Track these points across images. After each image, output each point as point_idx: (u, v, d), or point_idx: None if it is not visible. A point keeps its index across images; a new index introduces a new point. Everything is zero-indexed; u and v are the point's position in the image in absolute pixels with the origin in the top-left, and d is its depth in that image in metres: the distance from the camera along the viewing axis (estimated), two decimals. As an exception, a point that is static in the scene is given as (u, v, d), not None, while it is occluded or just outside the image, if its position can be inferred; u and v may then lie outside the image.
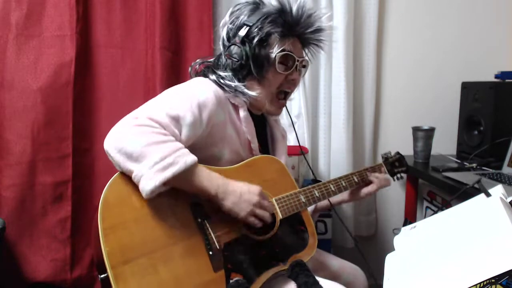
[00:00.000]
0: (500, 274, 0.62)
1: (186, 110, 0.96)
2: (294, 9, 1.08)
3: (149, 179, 0.86)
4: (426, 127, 1.81)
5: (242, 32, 1.05)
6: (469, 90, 1.85)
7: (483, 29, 2.04)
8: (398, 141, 2.03)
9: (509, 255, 0.65)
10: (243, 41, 1.05)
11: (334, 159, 1.97)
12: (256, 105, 1.14)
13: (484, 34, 2.04)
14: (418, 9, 2.01)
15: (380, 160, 1.43)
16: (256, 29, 1.05)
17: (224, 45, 1.12)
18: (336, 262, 1.30)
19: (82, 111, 1.67)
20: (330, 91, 1.95)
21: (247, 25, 1.06)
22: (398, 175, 1.42)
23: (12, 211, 1.59)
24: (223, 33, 1.12)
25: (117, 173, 0.91)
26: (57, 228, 1.63)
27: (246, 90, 1.07)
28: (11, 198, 1.59)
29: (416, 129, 1.81)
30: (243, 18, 1.08)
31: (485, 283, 0.63)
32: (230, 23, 1.10)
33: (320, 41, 1.16)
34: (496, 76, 1.82)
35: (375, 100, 2.01)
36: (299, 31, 1.11)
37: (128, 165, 0.87)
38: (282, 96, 1.15)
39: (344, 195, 1.32)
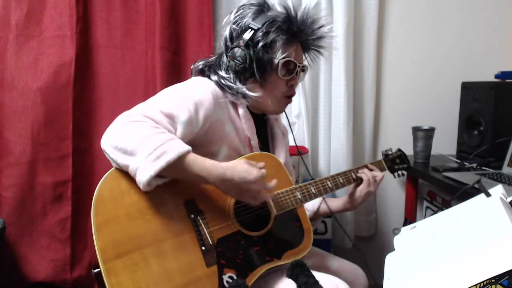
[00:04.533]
0: (500, 274, 0.62)
1: (181, 108, 0.97)
2: (299, 15, 1.10)
3: (144, 170, 0.87)
4: (426, 127, 1.81)
5: (247, 35, 1.06)
6: (469, 90, 1.85)
7: (483, 29, 2.04)
8: (398, 141, 2.03)
9: (509, 255, 0.65)
10: (247, 44, 1.05)
11: (334, 159, 1.97)
12: (258, 106, 1.15)
13: (484, 34, 2.04)
14: (418, 9, 2.01)
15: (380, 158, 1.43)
16: (261, 33, 1.05)
17: (226, 45, 1.11)
18: (335, 262, 1.30)
19: (82, 111, 1.67)
20: (330, 91, 1.95)
21: (252, 29, 1.06)
22: (399, 172, 1.42)
23: (12, 211, 1.59)
24: (225, 32, 1.12)
25: (112, 169, 0.93)
26: (57, 228, 1.63)
27: (248, 92, 1.08)
28: (11, 198, 1.59)
29: (416, 129, 1.81)
30: (247, 20, 1.08)
31: (485, 283, 0.63)
32: (234, 23, 1.10)
33: (321, 47, 1.18)
34: (496, 76, 1.82)
35: (375, 100, 2.01)
36: (303, 38, 1.12)
37: (124, 160, 0.89)
38: (286, 99, 1.17)
39: (345, 203, 1.29)
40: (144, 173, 0.87)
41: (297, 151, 1.43)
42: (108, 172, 0.92)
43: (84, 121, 1.68)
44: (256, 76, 1.07)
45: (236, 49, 1.07)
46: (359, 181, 1.27)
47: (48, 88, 1.59)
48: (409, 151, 1.85)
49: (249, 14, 1.08)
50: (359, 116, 2.02)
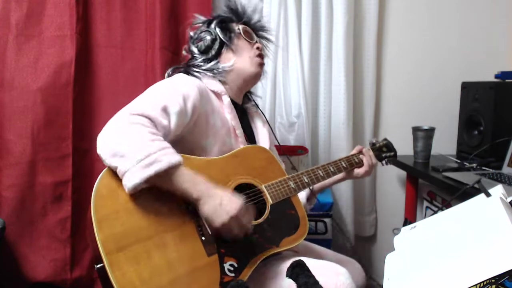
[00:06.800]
0: (500, 274, 0.62)
1: (172, 101, 1.02)
2: (240, 6, 1.29)
3: (132, 175, 0.88)
4: (426, 127, 1.81)
5: (206, 23, 1.25)
6: (469, 90, 1.85)
7: (483, 29, 2.04)
8: (398, 141, 2.02)
9: (509, 255, 0.65)
10: (208, 25, 1.24)
11: (334, 159, 1.96)
12: (236, 78, 1.22)
13: (484, 34, 2.04)
14: (418, 9, 2.01)
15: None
16: (216, 18, 1.25)
17: (192, 40, 1.27)
18: (333, 256, 1.32)
19: (82, 111, 1.67)
20: (330, 91, 1.95)
21: (206, 20, 1.26)
22: (386, 160, 1.46)
23: (12, 211, 1.59)
24: (192, 47, 1.25)
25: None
26: (57, 228, 1.63)
27: (223, 65, 1.20)
28: (11, 198, 1.59)
29: (416, 129, 1.81)
30: (201, 20, 1.28)
31: (485, 283, 0.63)
32: (191, 34, 1.27)
33: (266, 31, 1.34)
34: (496, 76, 1.82)
35: (375, 100, 2.01)
36: (248, 20, 1.29)
37: (114, 160, 0.90)
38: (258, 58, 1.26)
39: (339, 179, 1.37)
40: (131, 178, 0.88)
41: (297, 151, 1.45)
42: (105, 169, 0.93)
43: (84, 121, 1.68)
44: (225, 41, 1.20)
45: (200, 33, 1.23)
46: (349, 169, 1.34)
47: (48, 88, 1.59)
48: (409, 151, 1.86)
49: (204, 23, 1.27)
50: (359, 116, 2.02)
